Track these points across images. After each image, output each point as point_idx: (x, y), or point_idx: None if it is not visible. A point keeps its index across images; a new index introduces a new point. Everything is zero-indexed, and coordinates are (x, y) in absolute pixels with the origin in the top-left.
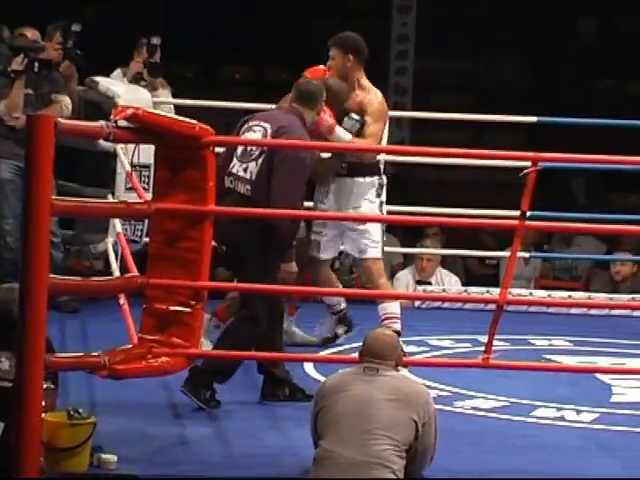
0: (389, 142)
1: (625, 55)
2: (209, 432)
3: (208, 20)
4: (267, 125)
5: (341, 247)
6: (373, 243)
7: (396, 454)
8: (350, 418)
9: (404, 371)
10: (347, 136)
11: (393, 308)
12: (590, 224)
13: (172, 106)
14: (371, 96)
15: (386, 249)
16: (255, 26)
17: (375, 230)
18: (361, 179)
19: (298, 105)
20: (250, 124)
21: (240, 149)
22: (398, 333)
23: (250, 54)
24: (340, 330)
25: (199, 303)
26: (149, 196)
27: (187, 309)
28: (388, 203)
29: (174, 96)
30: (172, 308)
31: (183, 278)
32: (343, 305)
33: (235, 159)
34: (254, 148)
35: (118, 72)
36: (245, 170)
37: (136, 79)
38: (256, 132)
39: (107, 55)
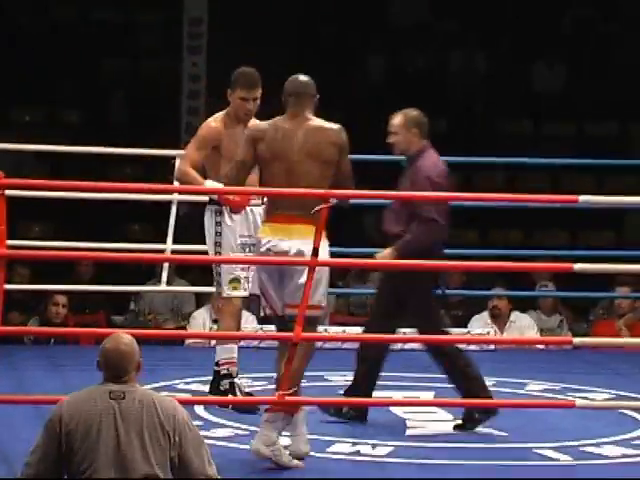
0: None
1: (413, 92)
2: None
3: None
4: None
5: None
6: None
7: None
8: (109, 473)
9: None
10: None
11: (221, 353)
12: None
13: None
14: None
15: (177, 289)
16: (44, 67)
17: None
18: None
19: None
20: None
21: None
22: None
23: (40, 95)
24: None
25: None
26: None
27: None
28: (183, 243)
29: None
30: None
31: None
32: None
33: None
34: None
35: None
36: None
37: None
38: None
39: None
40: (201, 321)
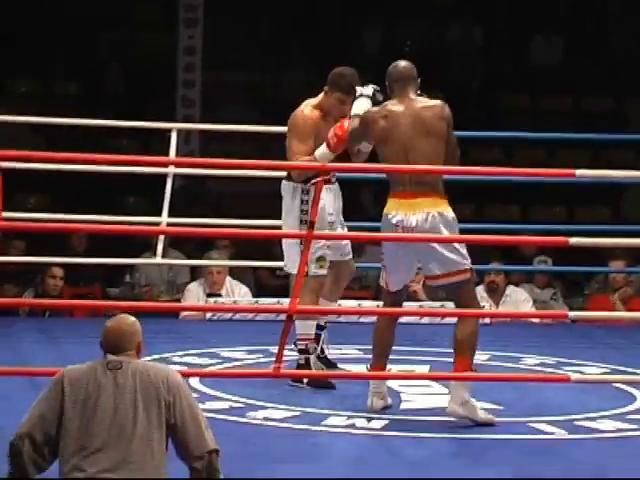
0: (178, 154)
1: None
2: None
3: None
4: None
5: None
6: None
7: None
8: (106, 440)
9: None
10: None
11: (301, 328)
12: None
13: None
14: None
15: (173, 262)
16: (41, 39)
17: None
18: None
19: None
20: None
21: None
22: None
23: (36, 67)
24: None
25: None
26: None
27: None
28: (179, 215)
29: None
30: None
31: None
32: None
33: None
34: None
35: None
36: None
37: None
38: None
39: None
40: (195, 294)
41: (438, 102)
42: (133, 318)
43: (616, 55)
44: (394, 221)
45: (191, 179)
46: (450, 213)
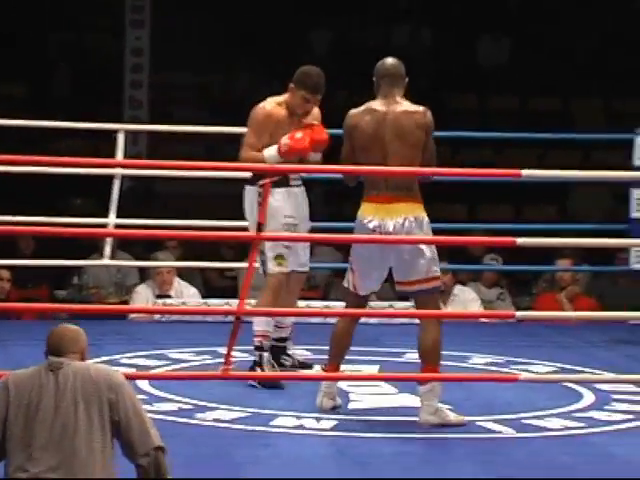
0: (125, 156)
1: (357, 66)
2: None
3: None
4: None
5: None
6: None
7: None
8: (48, 440)
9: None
10: None
11: (257, 325)
12: (328, 234)
13: None
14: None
15: (121, 263)
16: None
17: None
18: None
19: None
20: None
21: None
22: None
23: None
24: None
25: None
26: None
27: None
28: (126, 217)
29: None
30: None
31: None
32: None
33: None
34: None
35: None
36: None
37: None
38: None
39: None
40: (144, 295)
41: (420, 108)
42: (77, 327)
43: (562, 55)
44: (371, 226)
45: (139, 180)
46: (425, 217)
